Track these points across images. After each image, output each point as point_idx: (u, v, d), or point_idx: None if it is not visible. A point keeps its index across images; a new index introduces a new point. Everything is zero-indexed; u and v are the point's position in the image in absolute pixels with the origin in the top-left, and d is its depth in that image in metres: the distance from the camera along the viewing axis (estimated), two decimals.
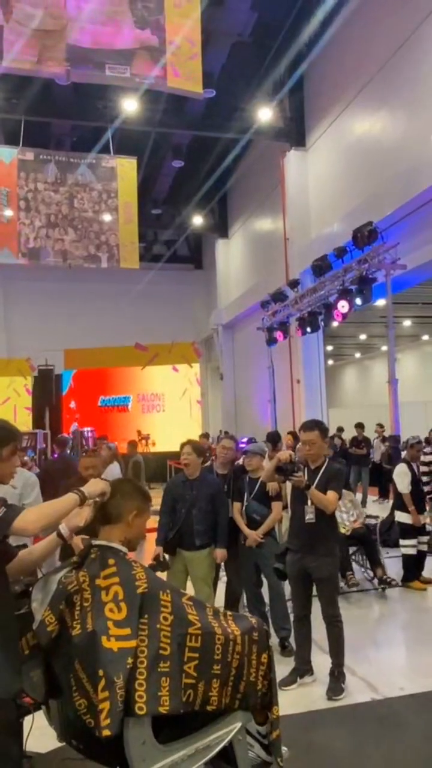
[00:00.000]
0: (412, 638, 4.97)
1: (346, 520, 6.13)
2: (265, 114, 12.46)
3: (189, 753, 2.09)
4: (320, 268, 9.59)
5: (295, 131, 13.06)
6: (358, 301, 8.70)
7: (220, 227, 17.89)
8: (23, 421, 15.39)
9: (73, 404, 16.76)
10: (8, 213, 12.60)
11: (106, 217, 12.94)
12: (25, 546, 2.45)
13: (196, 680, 2.06)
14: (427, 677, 4.00)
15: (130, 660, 1.94)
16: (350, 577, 5.70)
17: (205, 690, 2.08)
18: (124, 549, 2.24)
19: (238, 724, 2.24)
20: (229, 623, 2.29)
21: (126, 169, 12.97)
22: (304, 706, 3.61)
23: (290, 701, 3.50)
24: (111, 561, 2.14)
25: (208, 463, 5.46)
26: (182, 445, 4.76)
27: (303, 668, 4.00)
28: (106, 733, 1.85)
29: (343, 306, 9.02)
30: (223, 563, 4.98)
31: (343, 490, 6.31)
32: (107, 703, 1.87)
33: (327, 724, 3.42)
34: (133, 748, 1.95)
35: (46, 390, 16.20)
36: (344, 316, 9.14)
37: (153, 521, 6.01)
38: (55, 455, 7.72)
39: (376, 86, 10.45)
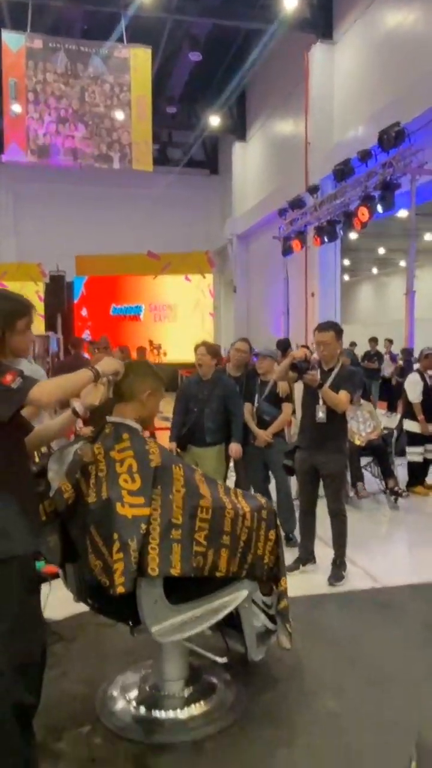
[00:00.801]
0: (413, 537, 5.15)
1: (363, 431, 6.10)
2: (290, 2, 11.50)
3: (197, 614, 2.21)
4: (342, 172, 9.15)
5: (322, 22, 12.09)
6: (380, 208, 8.36)
7: (238, 129, 17.00)
8: (36, 328, 15.38)
9: (84, 312, 16.65)
10: (16, 108, 12.00)
11: (119, 115, 12.29)
12: None
13: (206, 548, 2.14)
14: (426, 570, 4.17)
15: (143, 526, 2.01)
16: (361, 489, 5.74)
17: (214, 558, 2.16)
18: (138, 426, 2.27)
19: (245, 592, 2.36)
20: (239, 500, 2.36)
21: (140, 60, 12.18)
22: (306, 590, 3.78)
23: (292, 585, 3.62)
24: (125, 436, 2.18)
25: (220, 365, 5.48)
26: (197, 347, 4.77)
27: (306, 557, 4.18)
28: (120, 590, 1.95)
29: (363, 213, 8.68)
30: (233, 462, 5.13)
31: (362, 401, 6.32)
32: (121, 564, 1.96)
33: (327, 606, 3.61)
34: (146, 606, 2.06)
35: (57, 296, 16.08)
36: (364, 224, 8.82)
37: (159, 423, 6.09)
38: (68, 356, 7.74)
39: None
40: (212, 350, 4.74)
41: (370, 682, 2.57)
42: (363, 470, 5.98)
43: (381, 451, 6.02)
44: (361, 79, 11.26)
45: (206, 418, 4.56)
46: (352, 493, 5.71)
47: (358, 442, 5.90)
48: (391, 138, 7.86)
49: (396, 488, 5.82)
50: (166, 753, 2.19)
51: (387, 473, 5.95)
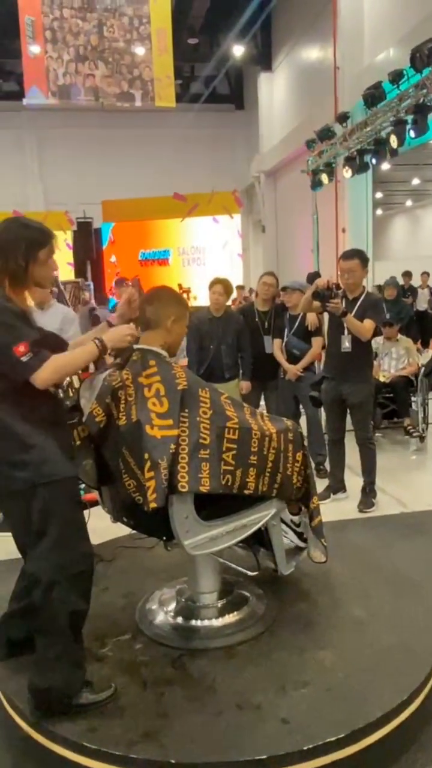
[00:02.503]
0: None
1: (392, 368, 5.95)
2: None
3: (228, 529, 2.31)
4: (373, 97, 8.71)
5: None
6: (412, 133, 7.99)
7: (263, 58, 16.21)
8: (66, 277, 15.46)
9: (113, 258, 16.57)
10: (35, 49, 11.72)
11: (139, 50, 11.90)
12: None
13: (234, 468, 2.21)
14: None
15: (172, 446, 2.09)
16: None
17: (242, 476, 2.24)
18: (164, 352, 2.33)
19: (273, 510, 2.45)
20: (266, 422, 2.42)
21: None
22: (336, 516, 3.89)
23: (323, 512, 3.75)
24: (152, 362, 2.24)
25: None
26: (212, 283, 4.80)
27: (337, 486, 4.28)
28: (153, 505, 2.05)
29: (393, 141, 8.32)
30: (264, 397, 5.22)
31: (400, 336, 6.17)
32: (153, 482, 2.05)
33: (356, 528, 3.72)
34: (178, 522, 2.17)
35: (86, 244, 16.03)
36: (395, 151, 8.46)
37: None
38: None
39: None
40: (228, 288, 4.82)
41: (396, 591, 2.68)
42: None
43: (399, 388, 5.83)
44: None
45: (224, 354, 4.68)
46: None
47: (382, 379, 5.78)
48: (424, 55, 7.40)
49: (409, 427, 5.68)
50: (201, 656, 2.34)
51: (403, 412, 5.78)
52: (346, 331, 3.91)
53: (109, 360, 3.70)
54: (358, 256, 3.97)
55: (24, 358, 1.96)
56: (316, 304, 3.89)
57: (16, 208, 15.33)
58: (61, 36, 11.44)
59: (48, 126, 16.63)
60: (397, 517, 3.92)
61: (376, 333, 5.03)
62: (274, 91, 16.50)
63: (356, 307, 3.93)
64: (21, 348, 1.95)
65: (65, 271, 16.06)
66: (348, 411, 4.12)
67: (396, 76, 8.17)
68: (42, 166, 17.52)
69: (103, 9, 11.61)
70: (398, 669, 2.21)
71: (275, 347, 5.02)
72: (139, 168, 16.85)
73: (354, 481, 4.31)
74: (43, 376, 2.00)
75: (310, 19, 13.55)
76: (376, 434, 5.61)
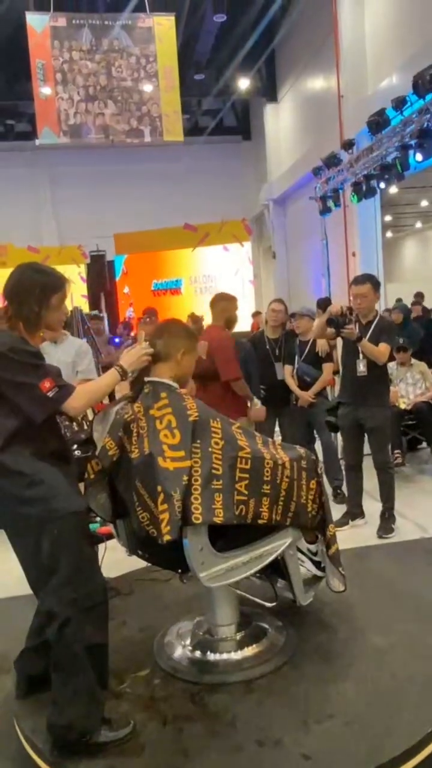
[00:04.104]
0: None
1: (411, 393, 5.86)
2: None
3: (244, 560, 2.30)
4: (377, 123, 8.82)
5: None
6: (419, 156, 8.07)
7: (269, 90, 16.56)
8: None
9: (126, 290, 16.78)
10: (46, 90, 12.05)
11: (147, 87, 12.21)
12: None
13: (247, 497, 2.21)
14: None
15: (185, 478, 2.09)
16: (396, 456, 5.30)
17: (255, 506, 2.23)
18: (174, 384, 2.35)
19: (289, 539, 2.43)
20: (278, 451, 2.42)
21: (164, 28, 12.00)
22: (355, 543, 3.84)
23: (341, 539, 3.64)
24: (163, 394, 2.27)
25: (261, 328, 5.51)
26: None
27: (355, 512, 4.23)
28: (167, 538, 2.05)
29: (399, 165, 8.40)
30: (278, 424, 5.19)
31: (414, 360, 6.11)
32: (167, 514, 2.05)
33: (375, 555, 3.66)
34: (193, 554, 2.16)
35: (99, 276, 16.29)
36: (401, 175, 8.54)
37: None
38: None
39: None
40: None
41: (417, 618, 2.63)
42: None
43: (423, 414, 5.65)
44: (393, 23, 10.79)
45: None
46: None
47: (403, 406, 5.67)
48: (426, 82, 7.51)
49: None
50: (220, 691, 2.30)
51: (430, 440, 5.63)
52: (360, 356, 3.92)
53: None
54: (369, 280, 3.99)
55: (50, 393, 2.05)
56: (330, 330, 3.91)
57: (31, 243, 15.71)
58: (71, 77, 11.79)
59: (60, 164, 17.08)
60: (418, 543, 3.86)
61: (392, 357, 5.01)
62: (281, 121, 16.81)
63: (370, 332, 3.94)
64: (47, 384, 2.05)
65: (80, 303, 16.29)
66: (366, 436, 4.09)
67: (399, 103, 8.30)
68: (55, 203, 17.94)
69: (111, 50, 11.96)
70: (423, 700, 2.16)
71: (286, 374, 5.02)
72: (149, 200, 17.18)
73: (373, 506, 4.26)
74: (75, 405, 2.10)
75: (314, 50, 13.85)
76: (406, 465, 5.49)
